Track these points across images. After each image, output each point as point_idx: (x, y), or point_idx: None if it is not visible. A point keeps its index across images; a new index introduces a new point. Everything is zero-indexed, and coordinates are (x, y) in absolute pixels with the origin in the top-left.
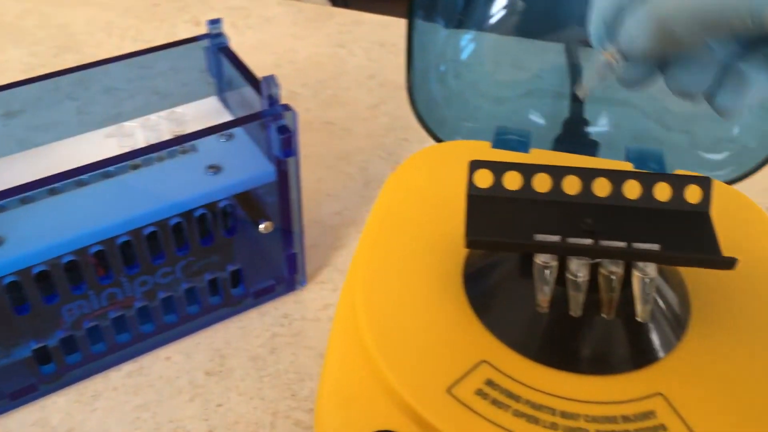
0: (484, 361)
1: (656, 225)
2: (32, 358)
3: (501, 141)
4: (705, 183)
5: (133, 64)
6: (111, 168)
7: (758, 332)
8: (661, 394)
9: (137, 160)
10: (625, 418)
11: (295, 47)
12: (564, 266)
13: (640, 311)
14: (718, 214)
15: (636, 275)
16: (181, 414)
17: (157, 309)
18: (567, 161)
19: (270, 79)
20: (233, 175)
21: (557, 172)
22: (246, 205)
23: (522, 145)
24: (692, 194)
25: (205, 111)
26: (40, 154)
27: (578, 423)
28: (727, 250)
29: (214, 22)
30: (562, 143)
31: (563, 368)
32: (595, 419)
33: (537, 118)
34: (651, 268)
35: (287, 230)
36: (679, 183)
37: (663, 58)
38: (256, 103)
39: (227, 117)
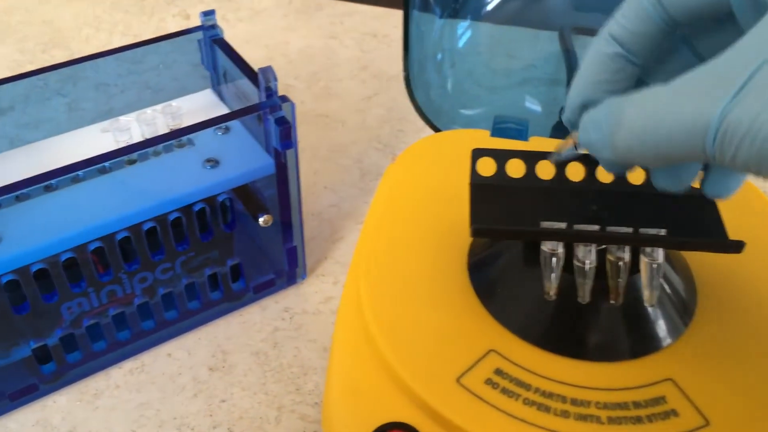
0: (493, 350)
1: (662, 210)
2: (32, 357)
3: (499, 129)
4: None
5: (124, 59)
6: (107, 163)
7: (764, 317)
8: (671, 380)
9: (134, 155)
10: (636, 404)
11: (287, 39)
12: (571, 253)
13: (648, 296)
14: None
15: (644, 260)
16: (184, 410)
17: (158, 305)
18: None
19: (267, 71)
20: (232, 168)
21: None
22: (244, 198)
23: (521, 133)
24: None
25: (200, 104)
26: (35, 151)
27: (589, 410)
28: (732, 236)
29: (208, 13)
30: (560, 131)
31: (572, 356)
32: (606, 406)
33: (534, 106)
34: (658, 253)
35: (287, 223)
36: None
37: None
38: (252, 95)
39: (223, 110)
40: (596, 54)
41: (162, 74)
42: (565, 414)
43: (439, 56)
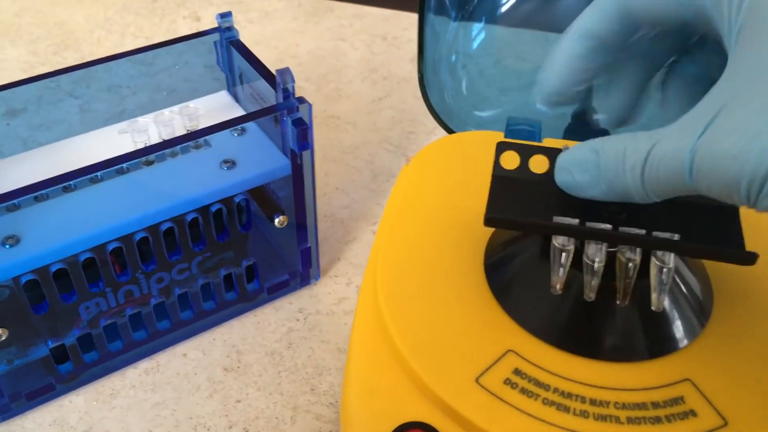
0: (511, 350)
1: (679, 214)
2: (49, 357)
3: (512, 131)
4: None
5: (137, 61)
6: (125, 164)
7: None
8: (689, 380)
9: (152, 156)
10: (655, 404)
11: (297, 41)
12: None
13: (655, 300)
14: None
15: (654, 263)
16: (200, 410)
17: (174, 305)
18: None
19: (285, 72)
20: (248, 169)
21: None
22: (260, 199)
23: (533, 135)
24: None
25: (216, 105)
26: (54, 151)
27: (608, 410)
28: (753, 239)
29: (225, 15)
30: (572, 133)
31: (590, 356)
32: (625, 406)
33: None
34: (669, 258)
35: (301, 224)
36: None
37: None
38: (268, 96)
39: (239, 111)
40: (564, 50)
41: (174, 76)
42: (584, 414)
43: (453, 58)
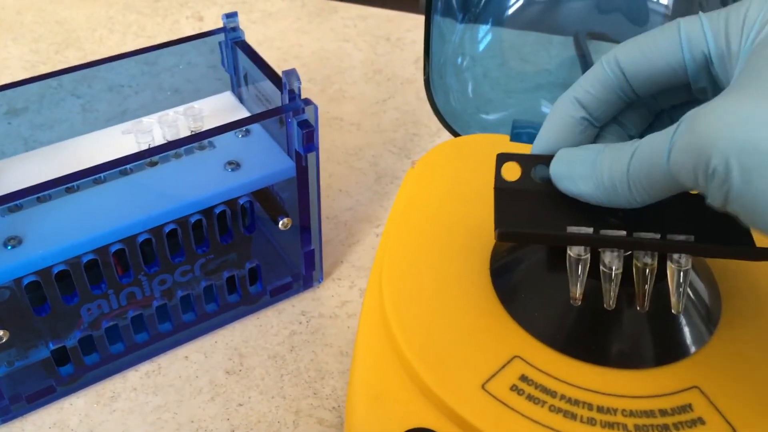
0: (517, 356)
1: (690, 216)
2: (50, 359)
3: (518, 134)
4: None
5: (140, 60)
6: (129, 165)
7: None
8: (697, 388)
9: (156, 158)
10: (663, 412)
11: (300, 42)
12: (596, 259)
13: (675, 303)
14: None
15: (671, 267)
16: (202, 414)
17: (176, 307)
18: None
19: (291, 74)
20: (253, 171)
21: None
22: (264, 201)
23: None
24: None
25: (220, 106)
26: (57, 152)
27: (616, 418)
28: (756, 241)
29: (230, 15)
30: None
31: (597, 363)
32: (632, 413)
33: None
34: (685, 260)
35: (305, 227)
36: None
37: None
38: (273, 98)
39: (243, 112)
40: (562, 115)
41: (176, 76)
42: (591, 421)
43: (459, 60)
